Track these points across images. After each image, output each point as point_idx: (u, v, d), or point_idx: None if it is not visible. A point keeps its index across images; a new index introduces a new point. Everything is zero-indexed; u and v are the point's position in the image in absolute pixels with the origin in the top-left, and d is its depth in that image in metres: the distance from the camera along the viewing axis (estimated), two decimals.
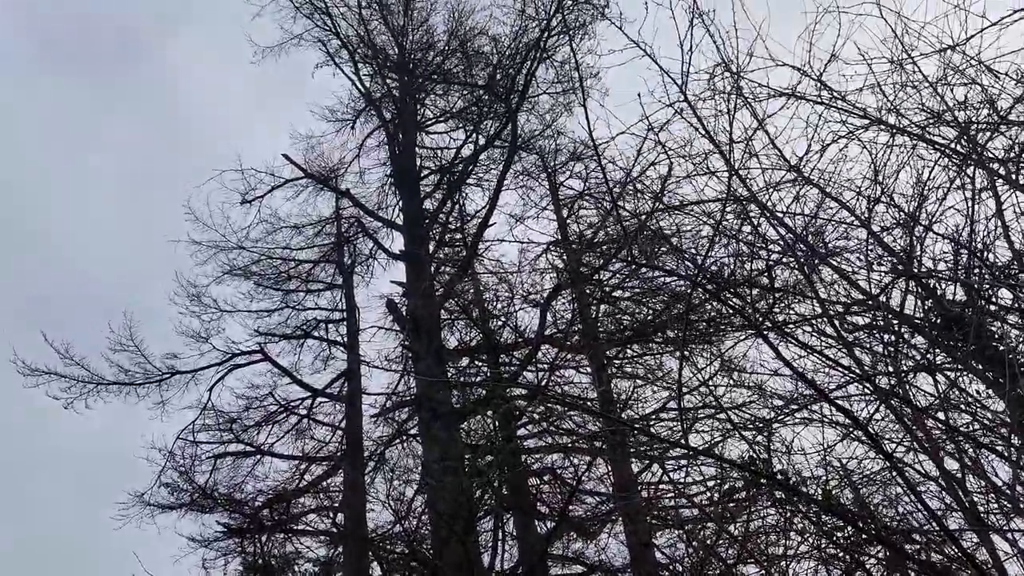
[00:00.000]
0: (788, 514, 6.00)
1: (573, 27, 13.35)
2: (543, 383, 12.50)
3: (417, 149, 15.98)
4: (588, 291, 12.68)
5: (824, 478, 5.82)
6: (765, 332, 5.14)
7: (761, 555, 6.77)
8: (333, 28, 15.87)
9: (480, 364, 13.88)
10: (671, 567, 10.59)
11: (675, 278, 7.42)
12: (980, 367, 5.17)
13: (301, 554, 14.26)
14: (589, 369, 12.81)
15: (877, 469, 5.99)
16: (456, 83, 16.09)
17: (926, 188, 5.65)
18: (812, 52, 5.63)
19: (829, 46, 5.61)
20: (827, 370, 5.87)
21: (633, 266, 8.82)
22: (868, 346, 5.87)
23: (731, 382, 8.53)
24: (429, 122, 16.73)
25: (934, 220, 5.65)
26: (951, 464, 5.05)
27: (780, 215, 5.73)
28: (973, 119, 5.46)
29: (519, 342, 13.21)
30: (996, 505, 5.14)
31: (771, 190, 5.89)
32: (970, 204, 5.34)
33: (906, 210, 5.67)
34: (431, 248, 14.54)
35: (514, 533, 12.01)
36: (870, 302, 5.62)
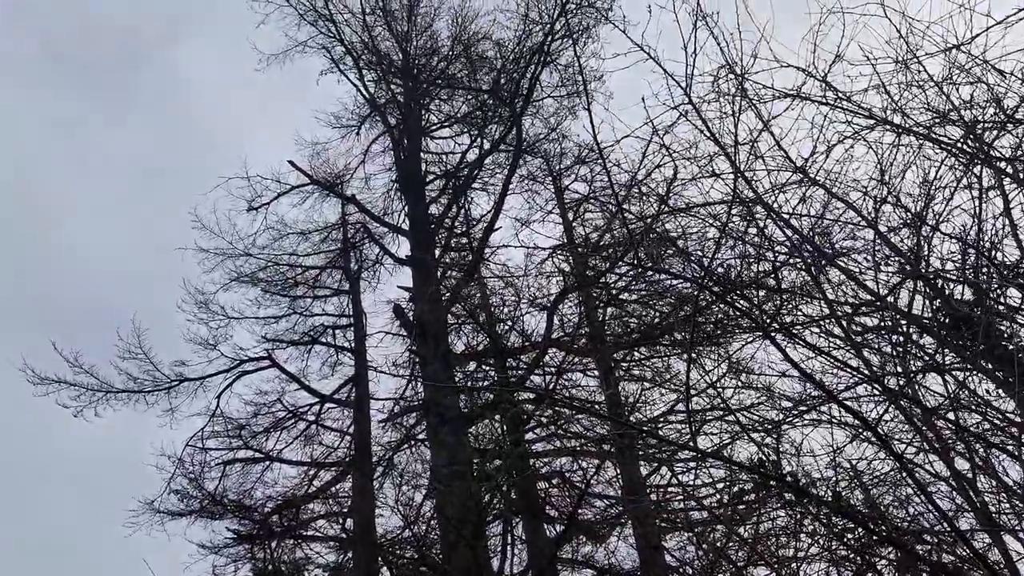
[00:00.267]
0: (798, 516, 5.98)
1: (577, 31, 13.36)
2: (551, 387, 12.49)
3: (422, 154, 16.01)
4: (595, 294, 12.67)
5: (834, 479, 5.80)
6: (773, 334, 5.13)
7: (771, 557, 6.74)
8: (337, 35, 15.94)
9: (487, 368, 13.88)
10: (681, 570, 10.56)
11: (682, 280, 7.41)
12: (989, 367, 5.15)
13: (311, 560, 14.27)
14: (597, 372, 12.80)
15: (887, 470, 5.97)
16: (460, 88, 16.12)
17: (933, 188, 5.65)
18: (817, 53, 5.64)
19: (834, 47, 5.61)
20: (836, 371, 5.86)
21: (639, 269, 8.82)
22: (877, 347, 5.85)
23: (739, 384, 8.51)
24: (434, 127, 16.77)
25: (941, 220, 5.64)
26: (962, 464, 5.03)
27: (786, 216, 5.72)
28: (979, 118, 5.45)
29: (526, 346, 13.20)
30: (1007, 505, 5.11)
31: (777, 191, 5.88)
32: (977, 203, 5.33)
33: (913, 210, 5.66)
34: (437, 253, 14.56)
35: (523, 537, 11.99)
36: (878, 303, 5.61)
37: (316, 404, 14.85)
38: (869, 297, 5.72)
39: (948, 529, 5.07)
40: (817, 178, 5.80)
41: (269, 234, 15.67)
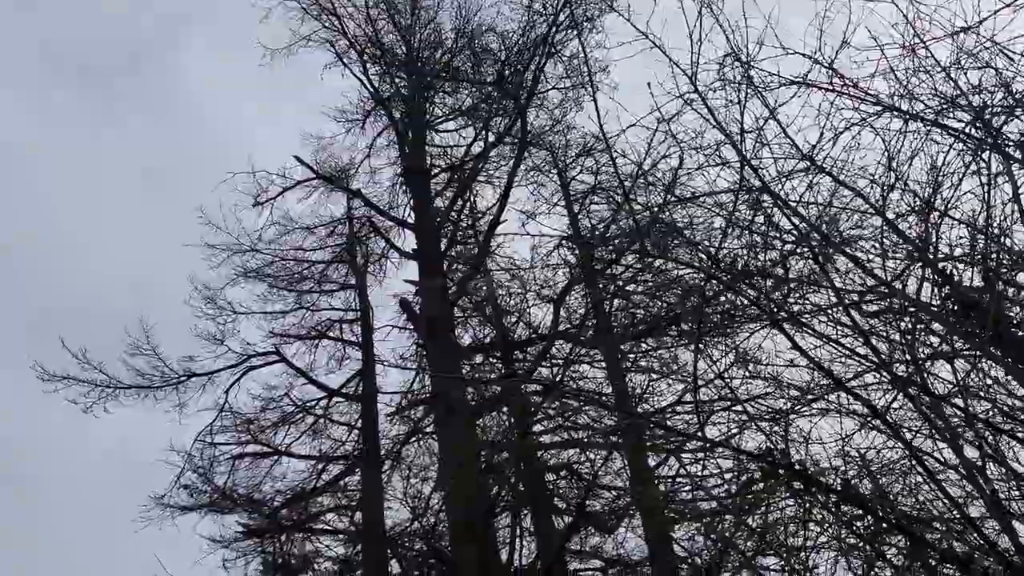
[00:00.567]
0: (807, 505, 5.97)
1: (581, 21, 13.31)
2: (558, 379, 12.49)
3: (427, 147, 15.99)
4: (601, 286, 12.65)
5: (842, 468, 5.78)
6: (781, 322, 5.12)
7: (780, 546, 6.73)
8: (341, 28, 15.92)
9: (494, 361, 13.89)
10: (690, 560, 10.56)
11: (689, 270, 7.38)
12: (999, 353, 5.12)
13: (320, 553, 14.37)
14: (604, 364, 12.79)
15: (896, 458, 5.95)
16: (465, 81, 16.09)
17: (941, 174, 5.60)
18: (823, 39, 5.59)
19: (840, 33, 5.57)
20: (843, 359, 5.83)
21: (646, 259, 8.80)
22: (885, 334, 5.82)
23: (747, 374, 8.49)
24: (438, 120, 16.74)
25: (949, 206, 5.59)
26: (971, 452, 5.01)
27: (793, 204, 5.70)
28: (988, 103, 5.40)
29: (533, 338, 13.21)
30: (1018, 492, 5.09)
31: (784, 179, 5.85)
32: (986, 189, 5.29)
33: (921, 196, 5.62)
34: (443, 246, 14.56)
35: (531, 529, 12.02)
36: (885, 290, 5.58)
37: (324, 398, 14.91)
38: (876, 285, 5.69)
39: (958, 516, 5.05)
40: (824, 165, 5.77)
41: (275, 229, 15.73)
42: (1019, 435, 5.11)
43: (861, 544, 5.67)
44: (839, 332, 5.77)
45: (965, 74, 5.45)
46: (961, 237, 5.57)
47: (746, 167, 5.47)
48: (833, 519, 5.60)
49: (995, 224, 5.30)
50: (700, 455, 10.09)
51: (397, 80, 16.37)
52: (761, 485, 6.62)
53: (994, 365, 5.30)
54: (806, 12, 5.66)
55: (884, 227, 5.66)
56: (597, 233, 13.01)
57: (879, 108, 5.63)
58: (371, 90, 16.25)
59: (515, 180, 13.80)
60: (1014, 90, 5.37)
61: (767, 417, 6.54)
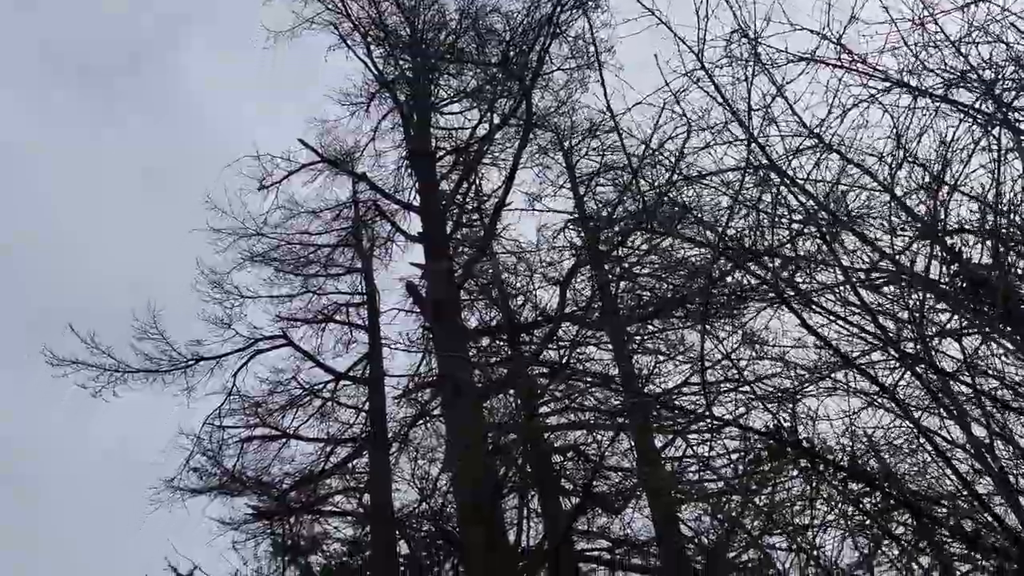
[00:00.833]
0: (814, 483, 5.97)
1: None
2: (564, 360, 12.49)
3: (432, 130, 15.93)
4: (607, 267, 12.62)
5: (850, 446, 5.78)
6: (789, 300, 5.10)
7: (787, 525, 6.75)
8: (344, 10, 15.82)
9: (501, 343, 13.90)
10: (697, 540, 10.60)
11: (696, 248, 7.36)
12: (1008, 330, 5.10)
13: (329, 534, 14.47)
14: (610, 345, 12.78)
15: (904, 436, 5.94)
16: (469, 62, 15.98)
17: (950, 150, 5.55)
18: (831, 14, 5.53)
19: (848, 8, 5.50)
20: (851, 338, 5.82)
21: (653, 238, 8.77)
22: (893, 312, 5.80)
23: (753, 354, 8.47)
24: (443, 102, 16.65)
25: (958, 183, 5.55)
26: (979, 430, 5.00)
27: (801, 182, 5.66)
28: (998, 77, 5.34)
29: (539, 320, 13.21)
30: None
31: (791, 157, 5.81)
32: (996, 165, 5.24)
33: (930, 171, 5.58)
34: (449, 229, 14.53)
35: (539, 510, 12.07)
36: (893, 267, 5.55)
37: (331, 381, 14.95)
38: (884, 262, 5.66)
39: (966, 493, 5.05)
40: (832, 143, 5.72)
41: (280, 213, 15.70)
42: None
43: (868, 522, 5.68)
44: (847, 311, 5.75)
45: (975, 48, 5.39)
46: (972, 212, 5.52)
47: (753, 145, 5.43)
48: (840, 497, 5.61)
49: (1005, 200, 5.25)
50: (707, 435, 10.11)
51: (401, 62, 16.27)
52: (768, 464, 6.63)
53: (1003, 342, 5.27)
54: None
55: (892, 204, 5.62)
56: (603, 215, 12.96)
57: (888, 84, 5.57)
58: (375, 72, 16.17)
59: (520, 162, 13.75)
60: None
61: (774, 397, 6.54)
